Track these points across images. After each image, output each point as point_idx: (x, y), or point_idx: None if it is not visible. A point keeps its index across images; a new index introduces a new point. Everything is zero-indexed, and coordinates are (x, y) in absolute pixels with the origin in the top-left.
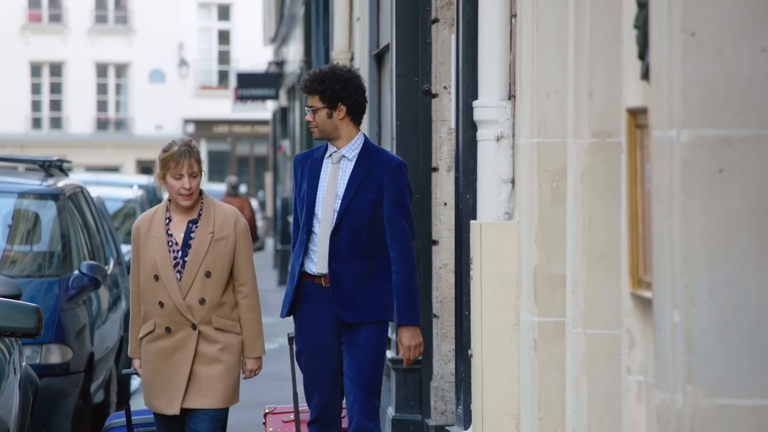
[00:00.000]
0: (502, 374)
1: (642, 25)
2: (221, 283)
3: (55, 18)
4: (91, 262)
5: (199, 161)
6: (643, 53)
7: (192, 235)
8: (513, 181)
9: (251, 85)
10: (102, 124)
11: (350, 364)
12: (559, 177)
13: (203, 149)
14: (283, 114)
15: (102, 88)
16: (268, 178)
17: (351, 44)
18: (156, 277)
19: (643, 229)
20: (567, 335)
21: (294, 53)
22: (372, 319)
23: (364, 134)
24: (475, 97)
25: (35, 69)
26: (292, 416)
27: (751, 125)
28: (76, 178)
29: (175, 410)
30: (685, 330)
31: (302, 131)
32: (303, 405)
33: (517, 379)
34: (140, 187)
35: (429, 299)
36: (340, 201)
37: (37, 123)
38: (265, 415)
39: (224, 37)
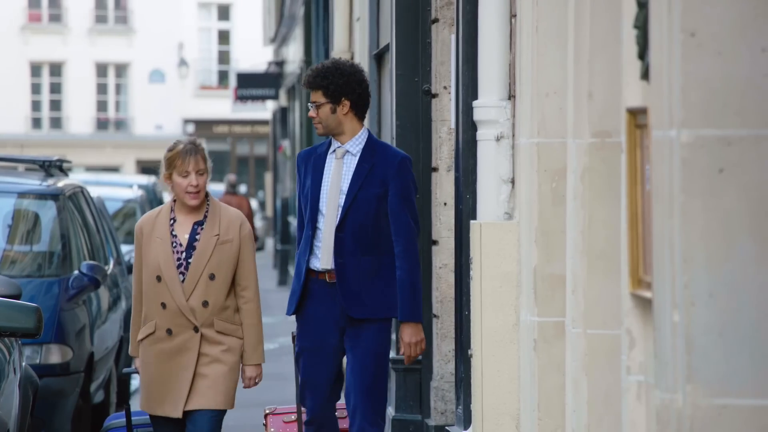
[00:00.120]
0: (501, 374)
1: (642, 25)
2: (225, 286)
3: (55, 18)
4: (91, 262)
5: (205, 159)
6: (642, 53)
7: (197, 236)
8: (513, 181)
9: (251, 85)
10: (102, 124)
11: (353, 367)
12: (559, 177)
13: None
14: (283, 114)
15: (102, 88)
16: (268, 178)
17: (351, 44)
18: (159, 278)
19: (643, 229)
20: (567, 335)
21: (294, 53)
22: (377, 316)
23: (368, 129)
24: (475, 97)
25: (35, 69)
26: (293, 417)
27: (750, 125)
28: (76, 178)
29: (178, 413)
30: (684, 330)
31: (302, 131)
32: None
33: (517, 379)
34: (140, 187)
35: (429, 299)
36: (344, 196)
37: (37, 123)
38: (266, 415)
39: (224, 37)
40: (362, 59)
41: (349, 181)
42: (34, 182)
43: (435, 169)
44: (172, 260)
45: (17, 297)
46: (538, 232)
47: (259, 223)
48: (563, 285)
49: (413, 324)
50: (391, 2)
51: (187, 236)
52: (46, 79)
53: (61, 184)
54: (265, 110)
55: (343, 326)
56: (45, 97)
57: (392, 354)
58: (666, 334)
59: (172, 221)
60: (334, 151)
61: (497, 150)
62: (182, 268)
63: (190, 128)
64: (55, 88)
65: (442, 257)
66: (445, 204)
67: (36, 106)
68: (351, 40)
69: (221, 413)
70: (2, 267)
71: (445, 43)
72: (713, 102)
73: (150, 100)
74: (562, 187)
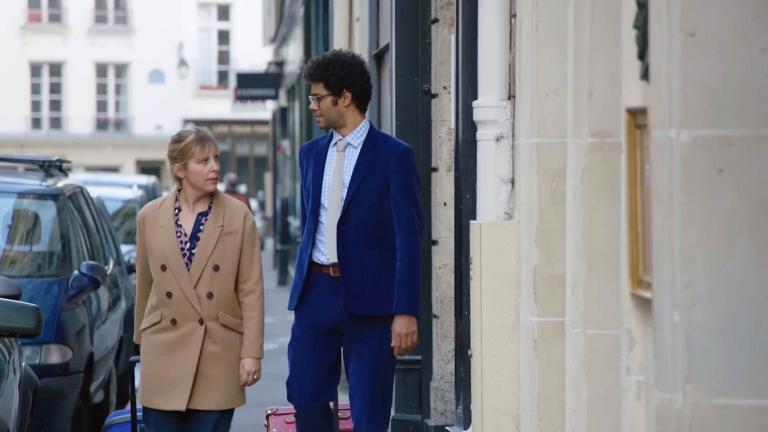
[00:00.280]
0: (501, 374)
1: (641, 25)
2: (230, 278)
3: (55, 18)
4: (91, 262)
5: (216, 143)
6: (642, 53)
7: (201, 227)
8: (513, 181)
9: (251, 85)
10: (102, 124)
11: (358, 369)
12: (559, 177)
13: None
14: (282, 114)
15: (102, 88)
16: (268, 178)
17: (351, 44)
18: (163, 267)
19: (643, 229)
20: (567, 335)
21: (294, 53)
22: (381, 313)
23: (369, 121)
24: (475, 97)
25: (35, 69)
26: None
27: (750, 125)
28: (75, 178)
29: (179, 406)
30: (684, 330)
31: (302, 131)
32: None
33: (517, 379)
34: (140, 187)
35: (429, 299)
36: (346, 189)
37: (36, 123)
38: (268, 416)
39: (224, 37)
40: None
41: (351, 174)
42: (34, 182)
43: (435, 169)
44: (177, 249)
45: (17, 297)
46: (537, 232)
47: (259, 223)
48: (563, 285)
49: (407, 316)
50: (390, 2)
51: (191, 226)
52: (45, 79)
53: (60, 184)
54: (264, 110)
55: (344, 322)
56: (45, 97)
57: None
58: (666, 334)
59: (177, 211)
60: (336, 144)
61: (497, 150)
62: (186, 259)
63: (190, 128)
64: (55, 88)
65: (442, 257)
66: (444, 204)
67: (36, 106)
68: (351, 40)
69: (228, 413)
70: (2, 267)
71: (444, 43)
72: (713, 102)
73: (150, 100)
74: (561, 187)
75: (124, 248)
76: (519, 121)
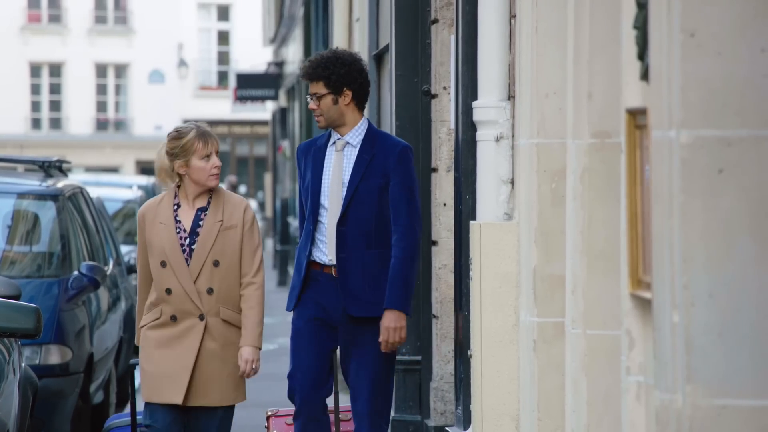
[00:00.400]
0: (501, 375)
1: (641, 26)
2: (230, 273)
3: (55, 18)
4: (91, 262)
5: (216, 139)
6: (642, 54)
7: (200, 222)
8: (512, 182)
9: (251, 86)
10: (101, 125)
11: (358, 372)
12: (559, 177)
13: None
14: (282, 114)
15: (101, 89)
16: (268, 178)
17: (350, 45)
18: (163, 263)
19: (643, 229)
20: (566, 336)
21: (293, 54)
22: (379, 314)
23: (368, 120)
24: (475, 98)
25: (35, 69)
26: None
27: (750, 125)
28: (75, 178)
29: (175, 399)
30: (684, 330)
31: (302, 132)
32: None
33: (517, 379)
34: (140, 187)
35: (428, 300)
36: (345, 188)
37: (36, 123)
38: (268, 417)
39: (224, 37)
40: None
41: (350, 173)
42: (34, 183)
43: (434, 170)
44: (177, 244)
45: (17, 297)
46: (537, 232)
47: (259, 223)
48: (563, 285)
49: (397, 311)
50: (390, 3)
51: (190, 222)
52: (45, 80)
53: (60, 184)
54: (264, 111)
55: (341, 322)
56: (44, 97)
57: None
58: (665, 334)
59: (176, 207)
60: (334, 143)
61: (497, 150)
62: (186, 254)
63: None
64: (55, 89)
65: (442, 258)
66: (444, 204)
67: (35, 106)
68: (350, 41)
69: (230, 410)
70: (2, 267)
71: (444, 43)
72: (713, 102)
73: (149, 101)
74: (561, 187)
75: (124, 249)
76: (519, 122)
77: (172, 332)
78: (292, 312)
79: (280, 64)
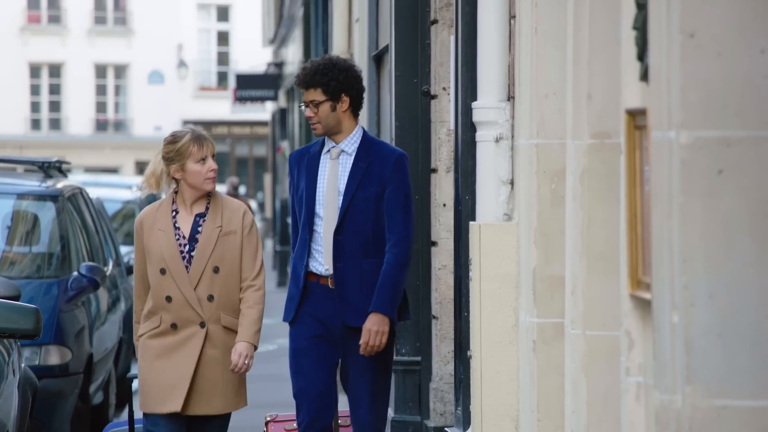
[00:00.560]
0: (501, 375)
1: (641, 26)
2: (231, 279)
3: (54, 19)
4: (90, 263)
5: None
6: (642, 54)
7: (199, 228)
8: (512, 183)
9: (250, 86)
10: (101, 125)
11: (357, 381)
12: (558, 178)
13: None
14: (282, 115)
15: (101, 90)
16: (267, 179)
17: (350, 45)
18: (162, 271)
19: (643, 230)
20: (566, 336)
21: (293, 54)
22: None
23: (362, 127)
24: (474, 99)
25: (34, 70)
26: (295, 424)
27: (750, 126)
28: (75, 179)
29: (174, 408)
30: (684, 331)
31: (301, 132)
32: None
33: (516, 380)
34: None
35: (428, 300)
36: (341, 197)
37: (36, 124)
38: (267, 423)
39: (223, 38)
40: (361, 60)
41: (346, 181)
42: (33, 183)
43: (434, 171)
44: (177, 251)
45: (16, 298)
46: (537, 233)
47: (258, 224)
48: (562, 286)
49: (381, 315)
50: (390, 3)
51: (189, 228)
52: (45, 81)
53: (60, 185)
54: (264, 111)
55: (341, 334)
56: (44, 98)
57: None
58: (665, 335)
59: (174, 213)
60: (329, 151)
61: (496, 151)
62: (185, 261)
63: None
64: (55, 90)
65: (442, 258)
66: (444, 205)
67: (35, 107)
68: (350, 41)
69: (227, 417)
70: (1, 268)
71: (444, 44)
72: (712, 103)
73: (149, 102)
74: (561, 188)
75: (124, 249)
76: (518, 122)
77: (172, 341)
78: (289, 324)
79: (279, 65)
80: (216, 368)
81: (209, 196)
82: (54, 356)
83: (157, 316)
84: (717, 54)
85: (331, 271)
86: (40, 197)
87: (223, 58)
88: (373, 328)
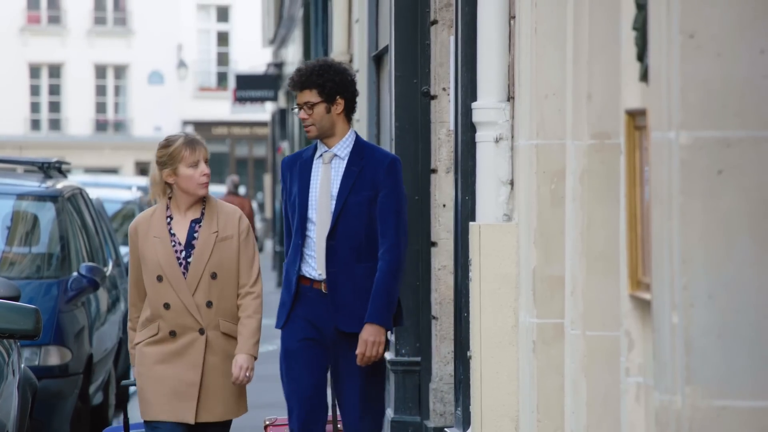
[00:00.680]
0: (500, 376)
1: (641, 27)
2: (229, 284)
3: (54, 19)
4: (90, 263)
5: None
6: (641, 55)
7: (195, 234)
8: (512, 183)
9: (250, 87)
10: (101, 126)
11: (349, 387)
12: (558, 178)
13: None
14: (282, 115)
15: (101, 90)
16: (267, 179)
17: (350, 46)
18: (159, 278)
19: (642, 230)
20: (566, 337)
21: (293, 55)
22: None
23: (355, 131)
24: (474, 99)
25: (34, 70)
26: None
27: (749, 127)
28: (74, 179)
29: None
30: (684, 331)
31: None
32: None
33: (516, 380)
34: (139, 188)
35: (428, 301)
36: (334, 202)
37: (35, 124)
38: (266, 427)
39: (223, 38)
40: (361, 61)
41: (339, 186)
42: (33, 184)
43: (434, 171)
44: (174, 258)
45: (16, 299)
46: (537, 233)
47: (258, 224)
48: (562, 286)
49: (377, 326)
50: (390, 4)
51: (185, 234)
52: (45, 81)
53: (60, 185)
54: (264, 112)
55: (333, 340)
56: (44, 98)
57: (391, 356)
58: (665, 335)
59: (169, 219)
60: (321, 155)
61: (496, 151)
62: (182, 268)
63: (189, 130)
64: (54, 90)
65: (441, 259)
66: (444, 205)
67: (35, 107)
68: (350, 42)
69: (228, 423)
70: (1, 268)
71: (444, 44)
72: (712, 103)
73: (149, 102)
74: (561, 188)
75: (123, 250)
76: (518, 123)
77: (171, 348)
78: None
79: (279, 65)
80: (216, 375)
81: (204, 201)
82: (54, 357)
83: (155, 323)
84: (717, 54)
85: (324, 276)
86: (40, 198)
87: (222, 59)
88: (370, 339)
